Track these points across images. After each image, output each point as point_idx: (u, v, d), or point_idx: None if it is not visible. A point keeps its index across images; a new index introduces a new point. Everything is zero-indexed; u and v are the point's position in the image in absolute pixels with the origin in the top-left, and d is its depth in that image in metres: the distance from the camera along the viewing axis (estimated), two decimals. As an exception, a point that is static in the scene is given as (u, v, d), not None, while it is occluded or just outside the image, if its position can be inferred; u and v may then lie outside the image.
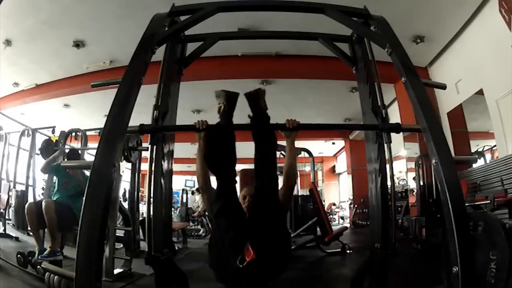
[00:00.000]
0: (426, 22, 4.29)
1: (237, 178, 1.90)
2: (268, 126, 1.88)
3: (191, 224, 7.37)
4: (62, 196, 3.03)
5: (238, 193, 1.92)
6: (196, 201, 8.42)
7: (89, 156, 5.14)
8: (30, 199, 4.94)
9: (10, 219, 4.85)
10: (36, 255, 2.76)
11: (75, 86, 5.57)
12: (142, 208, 5.62)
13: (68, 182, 3.10)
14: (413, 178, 4.87)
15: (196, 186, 8.11)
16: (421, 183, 4.37)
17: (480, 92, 4.16)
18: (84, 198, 1.20)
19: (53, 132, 4.92)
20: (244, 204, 1.82)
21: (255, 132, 1.87)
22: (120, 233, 3.30)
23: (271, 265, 1.62)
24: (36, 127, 5.32)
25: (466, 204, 1.82)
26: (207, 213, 6.66)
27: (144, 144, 3.62)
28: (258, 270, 1.56)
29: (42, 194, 4.78)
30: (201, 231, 7.00)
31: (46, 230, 2.89)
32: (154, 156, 1.75)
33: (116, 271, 2.90)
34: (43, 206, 2.76)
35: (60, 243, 2.98)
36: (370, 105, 1.97)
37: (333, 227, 4.96)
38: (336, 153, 12.27)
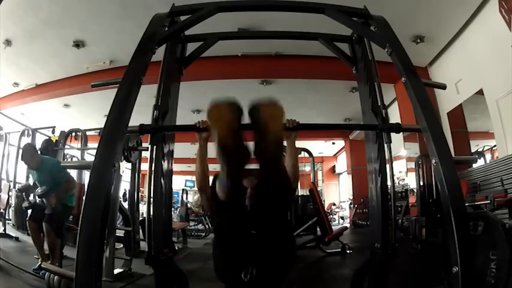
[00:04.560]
0: (426, 22, 4.29)
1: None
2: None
3: (191, 224, 7.37)
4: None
5: None
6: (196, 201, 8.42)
7: (89, 156, 5.14)
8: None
9: (10, 219, 4.86)
10: (38, 265, 2.77)
11: (75, 86, 5.57)
12: (142, 208, 5.63)
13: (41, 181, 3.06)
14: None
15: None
16: (421, 183, 4.38)
17: (480, 92, 4.16)
18: (84, 199, 1.20)
19: (53, 132, 4.94)
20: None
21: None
22: (120, 233, 3.31)
23: (278, 266, 1.54)
24: (36, 127, 5.34)
25: (466, 204, 1.82)
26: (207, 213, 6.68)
27: (144, 144, 3.63)
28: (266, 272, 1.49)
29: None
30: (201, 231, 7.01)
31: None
32: (154, 156, 1.75)
33: (116, 271, 2.91)
34: (45, 230, 2.80)
35: (60, 243, 2.98)
36: (370, 105, 1.97)
37: (333, 227, 4.96)
38: (336, 153, 12.26)
